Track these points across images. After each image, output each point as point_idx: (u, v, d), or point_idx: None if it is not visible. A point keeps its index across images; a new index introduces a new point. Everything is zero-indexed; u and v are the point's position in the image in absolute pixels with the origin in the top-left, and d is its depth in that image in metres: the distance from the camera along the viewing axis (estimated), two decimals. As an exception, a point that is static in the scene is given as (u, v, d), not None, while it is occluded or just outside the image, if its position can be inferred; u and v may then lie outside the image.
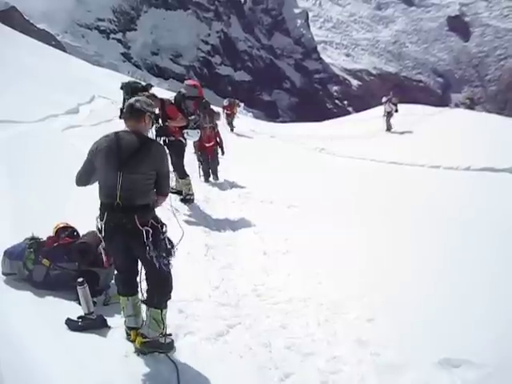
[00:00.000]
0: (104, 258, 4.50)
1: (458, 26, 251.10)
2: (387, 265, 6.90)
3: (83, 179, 4.40)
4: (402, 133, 23.35)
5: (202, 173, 12.64)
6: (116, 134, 4.24)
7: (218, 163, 13.00)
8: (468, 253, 7.14)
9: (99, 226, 4.23)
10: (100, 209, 4.23)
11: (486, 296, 5.70)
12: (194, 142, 14.38)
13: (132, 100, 4.36)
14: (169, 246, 4.32)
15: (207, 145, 12.74)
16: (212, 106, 14.82)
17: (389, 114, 24.64)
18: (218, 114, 14.49)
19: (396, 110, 24.63)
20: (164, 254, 4.24)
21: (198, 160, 12.72)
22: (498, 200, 10.00)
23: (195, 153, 13.50)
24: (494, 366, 4.42)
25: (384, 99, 24.98)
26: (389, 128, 24.77)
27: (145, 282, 4.37)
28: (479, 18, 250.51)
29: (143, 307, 4.47)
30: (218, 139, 13.21)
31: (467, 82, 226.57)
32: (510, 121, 24.17)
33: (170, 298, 4.41)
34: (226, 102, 23.23)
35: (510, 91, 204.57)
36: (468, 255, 7.04)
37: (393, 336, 5.05)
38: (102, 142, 4.22)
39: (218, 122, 13.82)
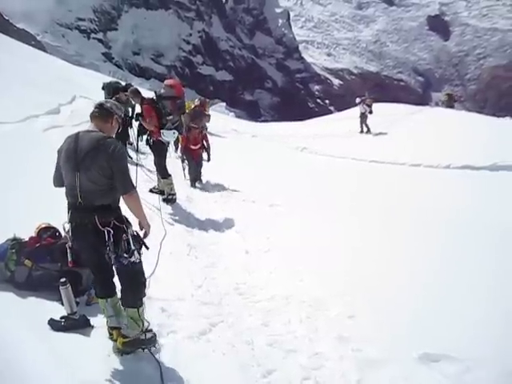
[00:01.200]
0: (69, 258, 4.43)
1: (438, 25, 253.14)
2: (369, 262, 6.97)
3: (56, 180, 4.45)
4: (383, 132, 23.44)
5: (187, 176, 12.40)
6: (77, 134, 4.25)
7: (201, 168, 12.50)
8: (449, 250, 7.25)
9: (66, 226, 4.29)
10: (68, 209, 4.28)
11: (465, 293, 5.79)
12: (177, 144, 14.36)
13: (103, 100, 4.43)
14: (133, 247, 4.26)
15: (193, 147, 12.22)
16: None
17: (363, 116, 24.45)
18: (207, 115, 13.84)
19: (370, 112, 24.38)
20: (125, 255, 4.23)
21: (182, 162, 12.48)
22: (479, 197, 10.15)
23: (179, 155, 13.48)
24: (473, 360, 4.51)
25: (358, 100, 24.88)
26: (363, 130, 24.55)
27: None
28: (459, 18, 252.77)
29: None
30: (204, 143, 12.54)
31: (447, 80, 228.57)
32: (489, 119, 24.43)
33: (144, 296, 4.44)
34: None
35: (489, 90, 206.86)
36: (449, 252, 7.15)
37: (374, 332, 5.11)
38: (64, 144, 4.27)
39: (206, 125, 13.31)
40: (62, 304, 4.57)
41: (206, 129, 13.11)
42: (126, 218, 4.37)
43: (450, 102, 29.02)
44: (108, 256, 4.19)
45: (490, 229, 7.88)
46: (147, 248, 4.46)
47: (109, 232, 4.14)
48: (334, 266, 6.88)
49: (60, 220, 5.51)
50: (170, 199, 9.58)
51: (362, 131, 24.59)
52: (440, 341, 4.84)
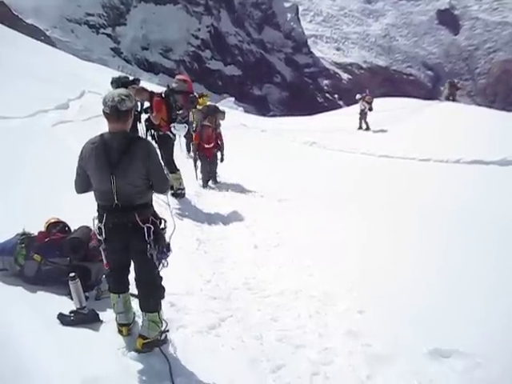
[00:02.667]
0: (104, 261, 4.38)
1: (448, 19, 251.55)
2: (378, 258, 6.94)
3: (80, 186, 4.32)
4: (392, 127, 23.34)
5: (199, 176, 12.01)
6: (101, 137, 4.11)
7: (216, 166, 12.04)
8: (461, 246, 7.19)
9: (98, 228, 4.21)
10: (98, 211, 4.22)
11: (475, 288, 5.76)
12: (188, 144, 14.19)
13: (114, 101, 4.03)
14: (168, 241, 4.34)
15: (207, 146, 11.82)
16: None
17: (362, 113, 24.29)
18: (222, 112, 12.78)
19: (370, 109, 24.18)
20: (165, 250, 4.29)
21: (194, 161, 12.03)
22: (489, 192, 10.08)
23: (192, 154, 13.30)
24: (482, 356, 4.47)
25: (358, 97, 24.67)
26: (361, 127, 24.40)
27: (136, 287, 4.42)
28: (469, 12, 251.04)
29: (133, 305, 4.51)
30: (218, 142, 12.08)
31: (457, 75, 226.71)
32: (499, 114, 24.27)
33: (163, 298, 4.46)
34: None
35: (499, 84, 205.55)
36: (461, 248, 7.09)
37: (383, 327, 5.08)
38: (89, 148, 4.11)
39: (221, 122, 12.61)
40: (71, 298, 4.56)
41: (220, 125, 12.51)
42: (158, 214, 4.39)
43: (452, 90, 28.65)
44: (150, 253, 4.17)
45: (499, 224, 7.82)
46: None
47: (149, 228, 4.13)
48: (343, 261, 6.86)
49: (68, 215, 5.55)
50: (178, 194, 9.59)
51: (360, 127, 24.43)
52: (449, 336, 4.81)
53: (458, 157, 13.48)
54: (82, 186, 4.29)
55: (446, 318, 5.13)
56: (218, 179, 12.06)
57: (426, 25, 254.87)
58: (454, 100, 28.34)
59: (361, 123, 24.40)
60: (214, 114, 12.24)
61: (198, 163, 12.04)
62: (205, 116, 12.08)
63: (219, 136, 12.14)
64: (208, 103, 13.23)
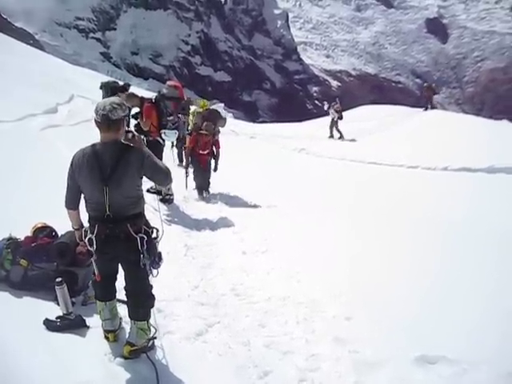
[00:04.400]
0: (96, 273, 4.31)
1: (436, 28, 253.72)
2: (366, 264, 6.94)
3: (71, 201, 4.25)
4: (381, 134, 23.42)
5: (189, 184, 11.28)
6: (93, 147, 4.07)
7: (209, 175, 11.35)
8: (449, 252, 7.21)
9: (89, 240, 4.14)
10: (89, 221, 4.19)
11: (461, 295, 5.78)
12: (180, 153, 13.87)
13: (105, 110, 3.96)
14: (159, 250, 4.34)
15: (201, 152, 11.06)
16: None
17: (332, 121, 24.19)
18: (223, 119, 11.91)
19: (340, 118, 24.03)
20: (157, 259, 4.28)
21: (186, 167, 11.22)
22: (477, 199, 10.13)
23: (183, 161, 12.77)
24: (469, 362, 4.48)
25: (326, 106, 24.63)
26: (332, 135, 24.29)
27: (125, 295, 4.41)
28: (457, 21, 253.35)
29: (120, 310, 4.50)
30: (214, 149, 11.38)
31: (445, 83, 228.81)
32: (486, 122, 24.45)
33: (153, 306, 4.46)
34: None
35: (486, 93, 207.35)
36: (449, 255, 7.12)
37: (370, 334, 5.09)
38: (80, 159, 4.05)
39: (220, 129, 11.73)
40: (58, 304, 4.54)
41: (219, 132, 11.67)
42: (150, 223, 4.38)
43: (429, 93, 28.78)
44: (143, 263, 4.15)
45: (488, 231, 7.86)
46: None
47: (142, 239, 4.11)
48: (331, 267, 6.86)
49: (56, 219, 5.51)
50: (167, 199, 9.60)
51: (331, 136, 24.33)
52: (437, 343, 4.82)
53: (446, 164, 13.54)
54: (74, 200, 4.23)
55: (434, 325, 5.14)
56: (210, 190, 11.45)
57: (415, 33, 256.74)
58: (431, 103, 28.45)
59: (331, 132, 24.29)
60: (215, 119, 11.41)
61: (190, 170, 11.29)
62: (205, 120, 11.25)
63: (217, 143, 11.45)
64: (216, 105, 12.80)
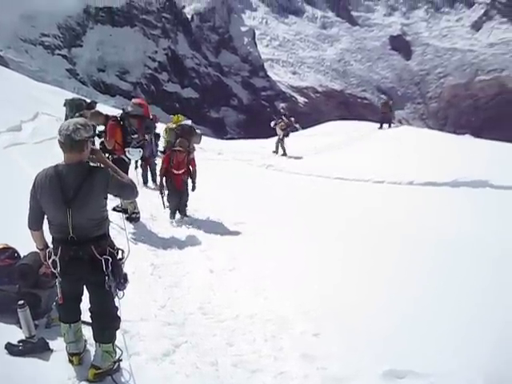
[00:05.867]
0: (59, 295, 4.23)
1: (400, 45, 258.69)
2: (333, 279, 7.00)
3: (34, 221, 4.19)
4: (347, 149, 23.67)
5: (166, 204, 10.68)
6: (56, 168, 4.02)
7: (187, 197, 10.76)
8: (414, 266, 7.29)
9: (52, 262, 4.10)
10: (53, 243, 4.14)
11: (428, 308, 5.85)
12: (154, 174, 13.69)
13: (68, 131, 3.93)
14: (125, 271, 4.30)
15: (176, 172, 10.38)
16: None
17: (279, 138, 24.28)
18: (198, 135, 11.30)
19: (286, 135, 24.14)
20: (122, 281, 4.24)
21: (160, 189, 10.57)
22: (442, 213, 10.28)
23: (147, 182, 12.84)
24: (437, 375, 4.54)
25: (272, 123, 24.78)
26: (277, 151, 24.27)
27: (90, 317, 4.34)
28: (420, 38, 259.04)
29: (85, 332, 4.43)
30: (190, 168, 10.72)
31: (409, 99, 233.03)
32: (450, 137, 24.95)
33: (119, 328, 4.40)
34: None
35: (450, 108, 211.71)
36: (414, 269, 7.20)
37: (338, 349, 5.12)
38: (42, 179, 4.01)
39: (195, 146, 11.21)
40: (20, 327, 4.45)
41: (194, 149, 11.10)
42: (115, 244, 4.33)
43: (386, 109, 29.07)
44: (108, 285, 4.10)
45: (453, 244, 7.99)
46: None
47: (107, 260, 4.07)
48: (299, 283, 6.89)
49: (17, 240, 5.41)
50: (133, 218, 9.49)
51: (275, 152, 24.35)
52: (405, 357, 4.87)
53: (411, 179, 13.72)
54: (37, 221, 4.18)
55: (402, 339, 5.20)
56: (188, 212, 10.88)
57: (380, 50, 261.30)
58: (388, 120, 28.75)
59: (277, 148, 24.35)
60: (189, 136, 10.83)
61: (165, 190, 10.63)
62: (178, 136, 10.72)
63: (192, 162, 10.79)
64: (184, 122, 11.55)
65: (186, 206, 10.78)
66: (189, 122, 11.39)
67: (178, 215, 10.67)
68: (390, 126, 28.53)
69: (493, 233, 8.27)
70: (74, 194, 3.92)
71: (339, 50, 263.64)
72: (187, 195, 10.74)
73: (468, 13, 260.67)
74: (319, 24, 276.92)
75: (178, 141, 10.55)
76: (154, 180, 13.74)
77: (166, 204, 10.65)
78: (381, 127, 28.59)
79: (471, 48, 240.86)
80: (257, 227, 9.99)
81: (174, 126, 11.46)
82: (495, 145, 19.59)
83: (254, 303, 6.33)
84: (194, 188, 10.81)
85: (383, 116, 29.23)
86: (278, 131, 24.09)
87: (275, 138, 24.79)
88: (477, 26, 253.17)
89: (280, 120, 24.44)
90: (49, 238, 4.23)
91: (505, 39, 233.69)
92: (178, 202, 10.58)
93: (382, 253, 8.07)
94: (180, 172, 10.44)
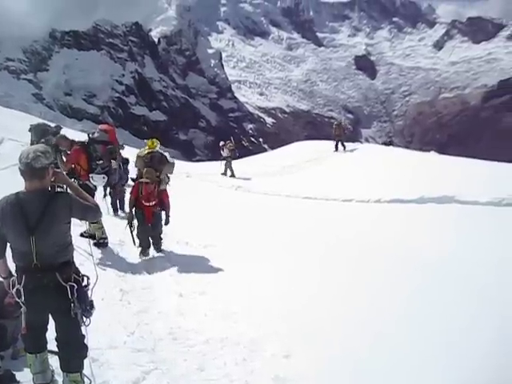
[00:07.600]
0: (23, 325, 4.11)
1: (365, 64, 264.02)
2: (304, 302, 6.99)
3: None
4: (314, 168, 23.86)
5: (136, 240, 9.68)
6: (17, 196, 3.98)
7: (159, 230, 9.83)
8: (387, 286, 7.28)
9: (16, 291, 4.03)
10: (16, 272, 4.08)
11: (402, 329, 5.86)
12: (122, 202, 13.37)
13: (28, 158, 3.90)
14: (91, 298, 4.25)
15: (146, 204, 9.51)
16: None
17: (226, 159, 24.64)
18: (170, 164, 10.25)
19: (234, 157, 24.79)
20: (88, 308, 4.18)
21: (129, 220, 9.66)
22: (408, 229, 10.40)
23: (117, 210, 12.69)
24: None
25: (221, 143, 24.99)
26: (226, 173, 24.55)
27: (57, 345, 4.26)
28: (384, 58, 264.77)
29: (52, 361, 4.35)
30: (163, 200, 9.77)
31: (376, 117, 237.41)
32: (416, 154, 25.39)
33: (86, 357, 4.33)
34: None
35: (415, 125, 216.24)
36: (386, 288, 7.19)
37: (309, 371, 5.13)
38: (3, 207, 3.96)
39: (169, 176, 10.28)
40: (-15, 359, 4.37)
41: (168, 181, 10.22)
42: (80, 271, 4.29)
43: (339, 131, 28.46)
44: (74, 312, 4.04)
45: (423, 262, 8.05)
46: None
47: (72, 287, 4.02)
48: (269, 306, 6.88)
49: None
50: (101, 243, 9.38)
51: (224, 174, 24.59)
52: (375, 378, 4.89)
53: (379, 196, 13.87)
54: (1, 249, 4.15)
55: (372, 360, 5.20)
56: (163, 247, 10.00)
57: (345, 70, 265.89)
58: (341, 141, 27.99)
59: (226, 170, 24.59)
60: (159, 165, 9.87)
61: (135, 223, 9.73)
62: (146, 165, 9.77)
63: (164, 193, 9.89)
64: (157, 148, 10.20)
65: (159, 239, 9.88)
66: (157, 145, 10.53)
67: (151, 251, 9.81)
68: (344, 148, 27.91)
69: (464, 247, 8.32)
70: (37, 222, 3.90)
71: (305, 71, 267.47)
72: (160, 227, 9.85)
73: (430, 32, 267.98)
74: (285, 45, 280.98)
75: (144, 171, 9.59)
76: (121, 208, 13.54)
77: (136, 240, 9.66)
78: (336, 150, 27.91)
79: (434, 67, 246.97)
80: (226, 250, 9.97)
81: (145, 153, 10.11)
82: (460, 161, 20.01)
83: (224, 327, 6.31)
84: (167, 222, 9.92)
85: (337, 138, 28.23)
86: (226, 152, 24.54)
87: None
88: (439, 45, 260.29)
89: (228, 141, 25.16)
90: (12, 266, 4.18)
91: (466, 57, 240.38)
92: (147, 237, 9.63)
93: (355, 275, 8.01)
94: (151, 204, 9.55)
